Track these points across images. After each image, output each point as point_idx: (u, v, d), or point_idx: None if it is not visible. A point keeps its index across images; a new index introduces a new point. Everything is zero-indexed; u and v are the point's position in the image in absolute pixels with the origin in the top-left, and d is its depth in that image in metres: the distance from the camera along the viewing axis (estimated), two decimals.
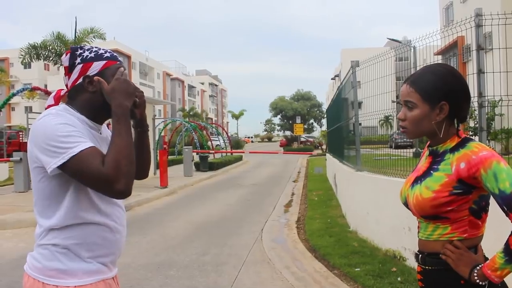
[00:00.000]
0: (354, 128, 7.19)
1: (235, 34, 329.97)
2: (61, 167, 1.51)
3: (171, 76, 73.12)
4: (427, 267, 1.66)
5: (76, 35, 13.88)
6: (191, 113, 61.33)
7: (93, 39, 14.51)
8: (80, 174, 1.50)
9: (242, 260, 5.83)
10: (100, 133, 1.75)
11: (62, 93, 1.76)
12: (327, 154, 16.84)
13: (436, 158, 1.65)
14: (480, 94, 4.22)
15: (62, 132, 1.51)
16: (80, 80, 1.68)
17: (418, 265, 1.72)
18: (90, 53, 1.70)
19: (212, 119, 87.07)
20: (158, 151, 16.32)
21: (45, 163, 1.53)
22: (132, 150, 1.57)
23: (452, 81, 1.61)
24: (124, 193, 1.53)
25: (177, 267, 5.57)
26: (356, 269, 5.00)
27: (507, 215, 1.46)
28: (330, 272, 5.13)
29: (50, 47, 14.16)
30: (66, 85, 1.73)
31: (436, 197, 1.56)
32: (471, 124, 13.97)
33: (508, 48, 4.44)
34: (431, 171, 1.63)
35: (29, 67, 51.77)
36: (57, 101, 1.73)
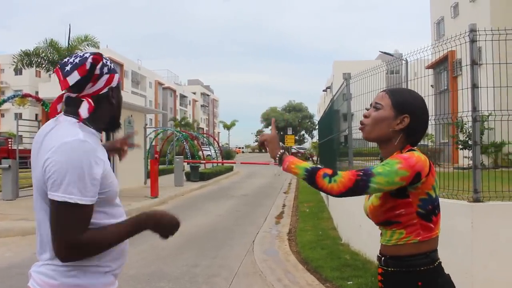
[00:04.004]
0: (348, 140, 7.19)
1: (228, 45, 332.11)
2: (51, 200, 1.48)
3: (163, 85, 73.00)
4: (389, 269, 1.77)
5: (70, 43, 13.80)
6: (182, 122, 61.16)
7: (87, 47, 14.42)
8: (58, 218, 1.47)
9: (233, 272, 5.76)
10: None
11: (90, 102, 1.64)
12: (319, 166, 16.84)
13: None
14: (475, 109, 4.24)
15: (87, 171, 1.49)
16: (105, 90, 1.66)
17: (379, 267, 1.84)
18: (111, 64, 1.70)
19: (203, 129, 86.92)
20: (149, 160, 16.21)
21: (48, 185, 1.49)
22: (110, 247, 1.58)
23: (420, 105, 1.82)
24: (63, 259, 1.50)
25: (167, 279, 5.49)
26: (349, 282, 4.97)
27: (355, 172, 1.69)
28: (322, 285, 5.09)
29: (43, 54, 14.06)
30: (70, 89, 1.63)
31: (382, 203, 1.74)
32: (461, 137, 14.12)
33: (501, 64, 4.50)
34: None
35: (20, 73, 51.49)
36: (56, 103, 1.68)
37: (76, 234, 1.47)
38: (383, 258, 1.81)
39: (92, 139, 1.58)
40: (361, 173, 1.67)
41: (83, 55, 1.64)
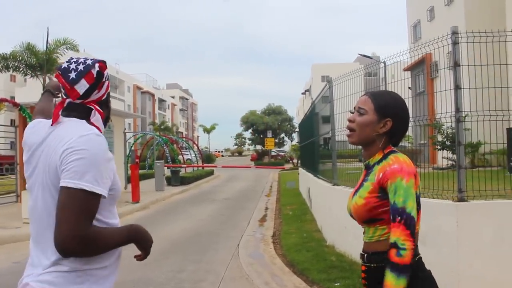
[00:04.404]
0: (331, 142, 7.23)
1: (207, 49, 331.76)
2: (66, 188, 1.45)
3: (141, 90, 72.28)
4: (372, 265, 1.82)
5: (48, 46, 13.51)
6: (162, 127, 60.66)
7: (66, 50, 14.13)
8: (67, 207, 1.43)
9: (220, 276, 5.72)
10: None
11: (96, 112, 1.68)
12: (300, 169, 16.91)
13: (368, 170, 1.88)
14: (458, 110, 4.31)
15: (103, 163, 1.52)
16: (106, 96, 1.72)
17: (362, 265, 1.89)
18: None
19: (182, 133, 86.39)
20: (129, 165, 16.01)
21: (62, 175, 1.47)
22: (106, 249, 1.56)
23: (402, 108, 1.89)
24: (66, 252, 1.45)
25: (153, 285, 5.42)
26: (336, 284, 4.98)
27: (391, 223, 1.71)
28: (310, 287, 5.09)
29: (20, 58, 13.75)
30: (87, 99, 1.66)
31: (367, 203, 1.79)
32: (439, 138, 14.33)
33: (482, 65, 4.58)
34: (363, 182, 1.87)
35: None
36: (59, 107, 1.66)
37: (84, 225, 1.44)
38: (366, 254, 1.85)
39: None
40: (413, 224, 1.69)
41: (85, 61, 1.65)
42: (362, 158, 1.92)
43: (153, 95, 77.07)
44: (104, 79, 1.67)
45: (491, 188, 4.43)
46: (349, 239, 6.11)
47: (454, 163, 11.53)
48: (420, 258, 1.80)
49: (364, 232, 1.91)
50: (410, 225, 1.68)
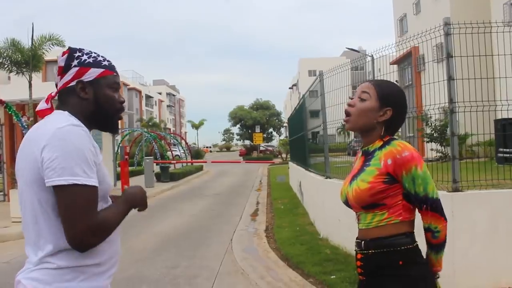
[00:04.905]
0: (323, 136, 7.23)
1: (192, 45, 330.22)
2: (58, 188, 1.41)
3: (128, 86, 71.58)
4: (369, 252, 1.81)
5: (34, 42, 13.27)
6: (150, 123, 60.30)
7: (52, 46, 13.85)
8: (71, 203, 1.41)
9: (214, 272, 5.69)
10: None
11: (53, 94, 1.65)
12: (290, 163, 16.92)
13: (368, 156, 1.87)
14: (451, 100, 4.32)
15: (87, 154, 1.46)
16: (73, 83, 1.59)
17: (358, 253, 1.88)
18: (88, 57, 1.62)
19: (170, 129, 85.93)
20: (118, 162, 15.88)
21: (47, 174, 1.42)
22: (117, 226, 1.57)
23: (402, 99, 1.91)
24: (84, 247, 1.45)
25: (147, 282, 5.37)
26: (332, 277, 4.98)
27: (419, 210, 1.80)
28: (306, 280, 5.09)
29: (5, 54, 13.48)
30: (56, 85, 1.63)
31: (371, 187, 1.77)
32: (428, 131, 14.40)
33: (474, 56, 4.60)
34: (364, 167, 1.85)
35: None
36: (48, 102, 1.63)
37: (93, 215, 1.44)
38: (363, 242, 1.84)
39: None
40: (439, 205, 1.81)
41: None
42: (358, 145, 1.94)
43: (140, 92, 76.44)
44: (62, 64, 1.60)
45: (485, 178, 4.47)
46: (343, 232, 6.12)
47: (442, 154, 11.66)
48: (417, 244, 1.82)
49: (358, 220, 1.91)
50: (437, 208, 1.79)
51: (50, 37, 13.60)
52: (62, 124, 1.47)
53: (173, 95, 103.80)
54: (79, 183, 1.41)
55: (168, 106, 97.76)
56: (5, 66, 13.66)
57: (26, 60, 13.35)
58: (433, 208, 1.77)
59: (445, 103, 4.36)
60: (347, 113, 1.90)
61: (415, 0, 26.21)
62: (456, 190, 4.28)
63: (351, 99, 1.92)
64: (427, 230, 1.82)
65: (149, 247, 7.25)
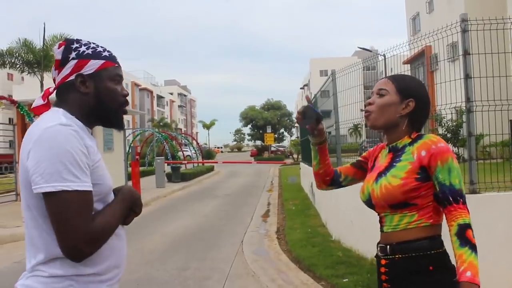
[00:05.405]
0: (336, 136, 7.12)
1: (205, 46, 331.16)
2: (46, 195, 1.30)
3: (139, 86, 72.04)
4: (396, 257, 1.70)
5: (45, 42, 13.33)
6: (161, 123, 60.48)
7: None
8: (62, 212, 1.29)
9: (225, 274, 5.61)
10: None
11: (51, 90, 1.53)
12: (301, 163, 16.80)
13: (397, 153, 1.77)
14: (468, 99, 4.19)
15: (77, 156, 1.33)
16: (72, 77, 1.48)
17: (381, 259, 1.75)
18: (87, 49, 1.50)
19: (181, 129, 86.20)
20: (129, 162, 15.89)
21: (34, 179, 1.31)
22: (115, 228, 1.45)
23: (423, 90, 1.81)
24: (79, 258, 1.33)
25: (157, 284, 5.31)
26: (344, 280, 4.87)
27: (450, 204, 1.63)
28: (317, 283, 4.99)
29: (17, 54, 13.56)
30: (54, 80, 1.52)
31: (405, 184, 1.67)
32: (440, 131, 14.23)
33: (493, 54, 4.46)
34: (394, 163, 1.75)
35: None
36: (44, 99, 1.53)
37: (86, 223, 1.31)
38: (388, 246, 1.73)
39: (78, 125, 1.44)
40: (463, 201, 1.66)
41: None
42: (369, 146, 1.82)
43: (151, 92, 76.87)
44: (59, 57, 1.48)
45: (503, 180, 4.33)
46: (355, 234, 6.01)
47: (456, 155, 11.48)
48: (445, 249, 1.70)
49: (383, 222, 1.78)
50: (466, 204, 1.67)
51: (62, 36, 13.63)
52: (51, 123, 1.35)
53: (185, 96, 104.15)
54: (69, 189, 1.29)
55: (179, 106, 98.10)
56: (17, 66, 13.74)
57: (37, 60, 13.43)
58: (465, 202, 1.65)
59: (461, 102, 4.23)
60: (367, 111, 1.82)
61: None
62: (473, 192, 4.15)
63: (369, 98, 1.84)
64: (468, 227, 1.60)
65: (159, 248, 7.20)
